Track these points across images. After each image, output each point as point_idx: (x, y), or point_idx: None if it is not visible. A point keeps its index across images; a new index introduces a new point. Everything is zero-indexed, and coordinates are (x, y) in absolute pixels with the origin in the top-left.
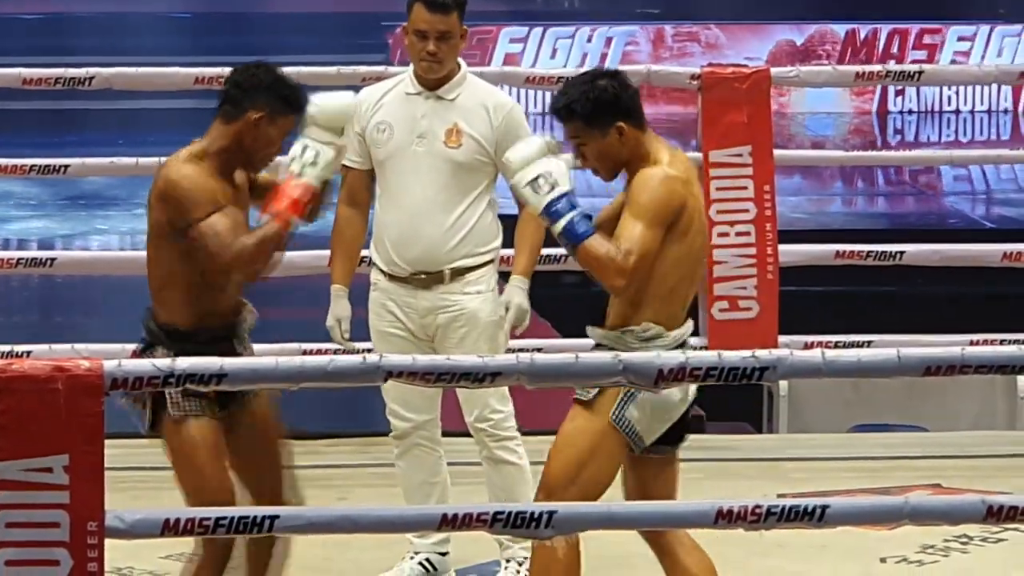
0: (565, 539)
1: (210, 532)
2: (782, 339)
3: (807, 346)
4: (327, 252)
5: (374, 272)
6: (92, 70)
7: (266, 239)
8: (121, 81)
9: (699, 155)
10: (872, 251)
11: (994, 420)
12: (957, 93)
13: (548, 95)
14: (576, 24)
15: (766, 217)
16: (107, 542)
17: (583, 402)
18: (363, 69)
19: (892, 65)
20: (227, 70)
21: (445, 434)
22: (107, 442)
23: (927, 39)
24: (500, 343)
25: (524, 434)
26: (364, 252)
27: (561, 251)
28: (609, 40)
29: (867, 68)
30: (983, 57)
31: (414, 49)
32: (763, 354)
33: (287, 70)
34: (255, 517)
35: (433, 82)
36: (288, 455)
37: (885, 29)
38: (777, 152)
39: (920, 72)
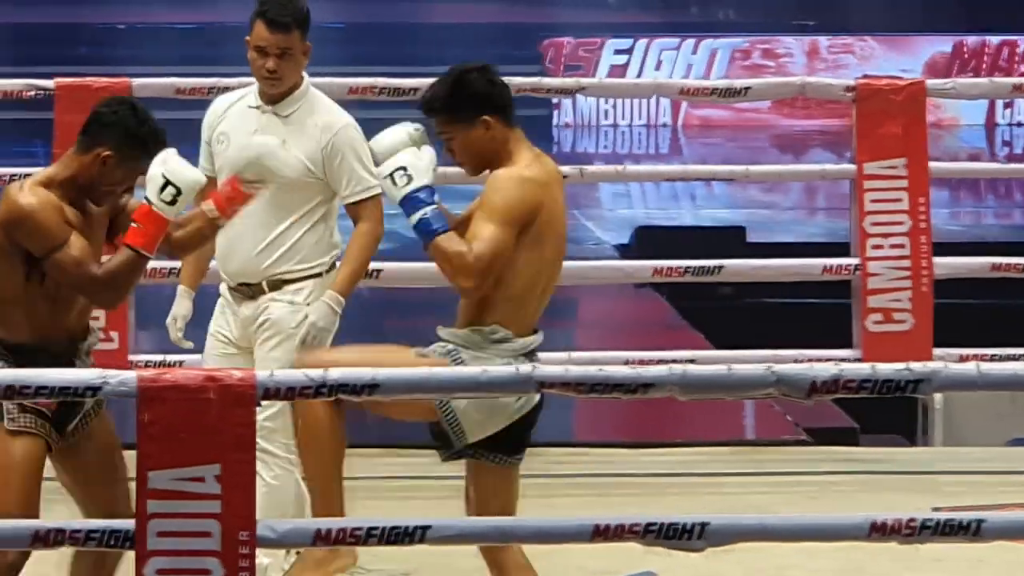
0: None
1: (362, 542)
2: (937, 352)
3: (962, 359)
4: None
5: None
6: (246, 80)
7: (119, 270)
8: None
9: (853, 167)
10: None
11: None
12: None
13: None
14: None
15: (921, 229)
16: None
17: None
18: (517, 80)
19: None
20: (381, 80)
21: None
22: None
23: None
24: (294, 357)
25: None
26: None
27: (713, 263)
28: (714, 52)
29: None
30: None
31: (254, 65)
32: (917, 367)
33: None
34: (407, 527)
35: (273, 97)
36: (125, 469)
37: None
38: (933, 164)
39: None
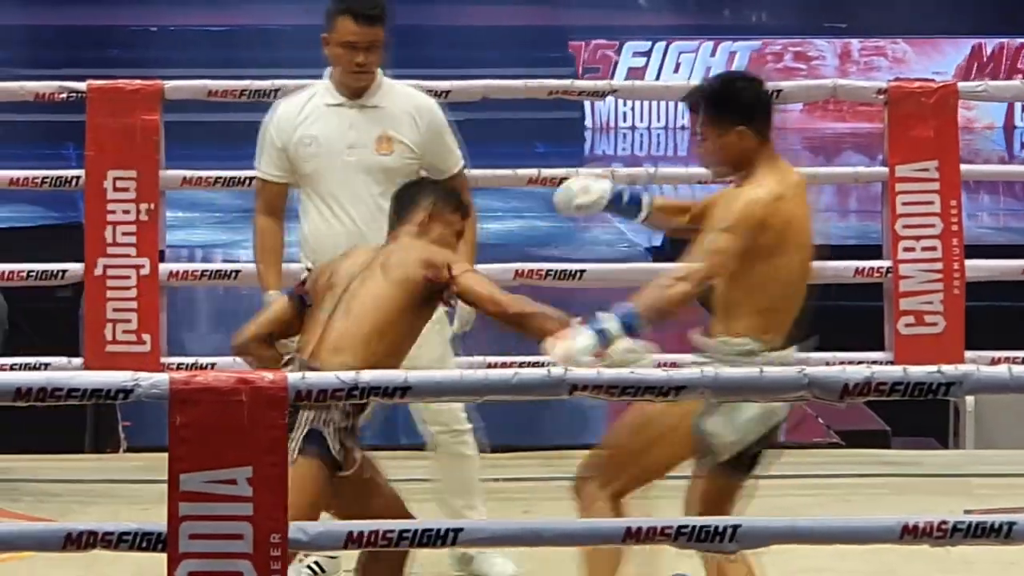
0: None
1: (393, 544)
2: (968, 354)
3: (994, 361)
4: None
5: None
6: (278, 82)
7: None
8: None
9: (885, 169)
10: None
11: None
12: None
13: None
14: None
15: (952, 232)
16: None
17: None
18: (551, 82)
19: None
20: (413, 82)
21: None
22: None
23: None
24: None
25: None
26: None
27: None
28: (732, 55)
29: None
30: None
31: (341, 61)
32: (949, 369)
33: (473, 83)
34: (439, 530)
35: (356, 91)
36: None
37: None
38: (964, 167)
39: None
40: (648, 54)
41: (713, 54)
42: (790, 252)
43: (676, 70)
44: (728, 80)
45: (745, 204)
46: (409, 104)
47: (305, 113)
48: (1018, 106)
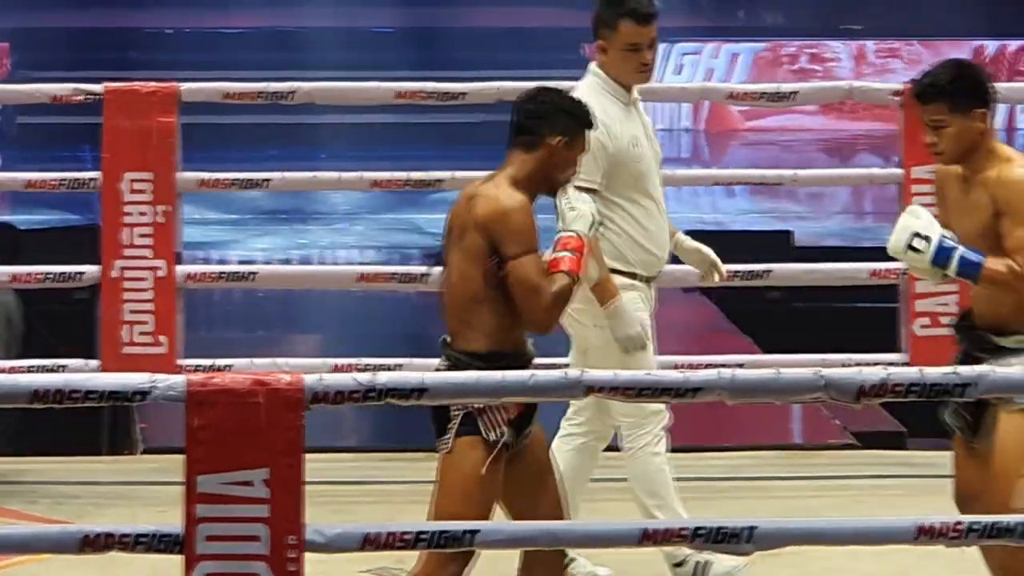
0: None
1: (411, 547)
2: None
3: None
4: None
5: (622, 278)
6: (294, 84)
7: (563, 293)
8: (322, 96)
9: (900, 171)
10: None
11: None
12: None
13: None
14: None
15: None
16: (306, 556)
17: None
18: (565, 84)
19: None
20: (428, 85)
21: None
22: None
23: None
24: None
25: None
26: None
27: (761, 267)
28: (735, 56)
29: None
30: None
31: (628, 63)
32: (965, 370)
33: (488, 85)
34: (455, 532)
35: (629, 91)
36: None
37: None
38: None
39: None
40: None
41: (716, 56)
42: None
43: (679, 71)
44: (960, 66)
45: None
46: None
47: (614, 116)
48: (1018, 108)
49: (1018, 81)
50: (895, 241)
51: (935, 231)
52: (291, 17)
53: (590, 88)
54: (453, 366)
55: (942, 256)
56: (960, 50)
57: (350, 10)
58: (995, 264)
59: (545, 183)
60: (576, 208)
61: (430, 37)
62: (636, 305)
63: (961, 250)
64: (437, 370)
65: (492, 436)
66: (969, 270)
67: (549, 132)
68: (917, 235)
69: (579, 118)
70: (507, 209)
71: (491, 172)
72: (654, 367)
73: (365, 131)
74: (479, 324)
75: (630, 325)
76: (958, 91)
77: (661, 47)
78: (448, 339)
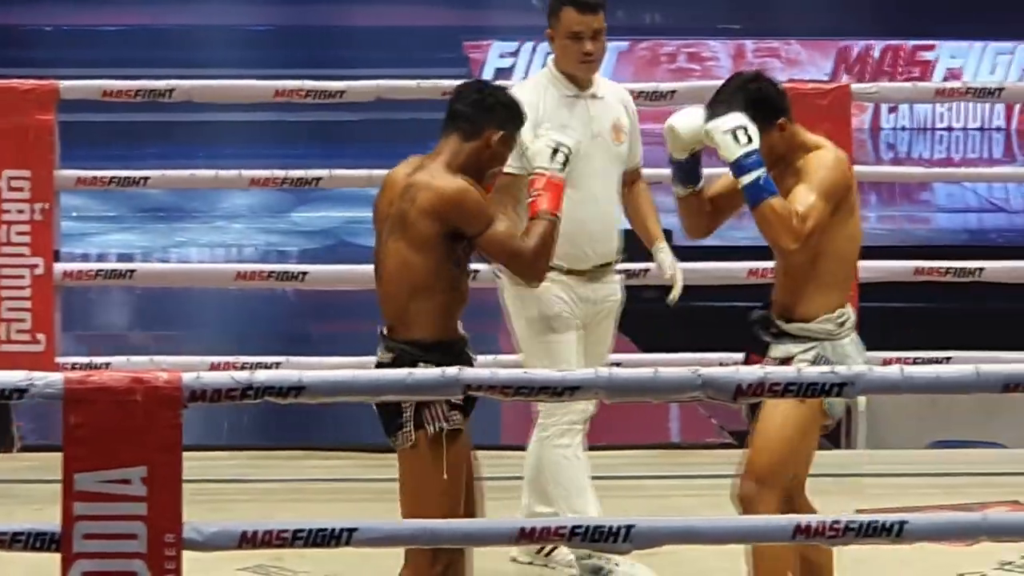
0: None
1: (288, 544)
2: None
3: (886, 362)
4: None
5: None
6: (172, 82)
7: (546, 239)
8: (201, 93)
9: None
10: (951, 267)
11: None
12: (950, 110)
13: None
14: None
15: None
16: (184, 554)
17: None
18: (444, 83)
19: (972, 82)
20: (307, 83)
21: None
22: (184, 454)
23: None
24: None
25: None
26: None
27: (642, 265)
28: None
29: (947, 85)
30: (975, 74)
31: (568, 52)
32: (842, 370)
33: (367, 83)
34: (333, 530)
35: (585, 82)
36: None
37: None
38: (857, 168)
39: (1000, 89)
40: (516, 54)
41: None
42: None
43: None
44: (748, 81)
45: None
46: (620, 95)
47: (548, 106)
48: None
49: (883, 80)
50: (726, 119)
51: (758, 143)
52: (172, 15)
53: (536, 81)
54: (397, 357)
55: (750, 163)
56: (835, 49)
57: (231, 8)
58: (780, 202)
59: (475, 174)
60: (530, 147)
61: (309, 35)
62: (552, 293)
63: (764, 171)
64: (379, 363)
65: (446, 425)
66: (758, 192)
67: (488, 125)
68: (746, 131)
69: (516, 118)
70: (456, 193)
71: (413, 159)
72: (565, 360)
73: (245, 129)
74: (422, 313)
75: (528, 308)
76: (754, 110)
77: (535, 46)
78: (386, 331)
